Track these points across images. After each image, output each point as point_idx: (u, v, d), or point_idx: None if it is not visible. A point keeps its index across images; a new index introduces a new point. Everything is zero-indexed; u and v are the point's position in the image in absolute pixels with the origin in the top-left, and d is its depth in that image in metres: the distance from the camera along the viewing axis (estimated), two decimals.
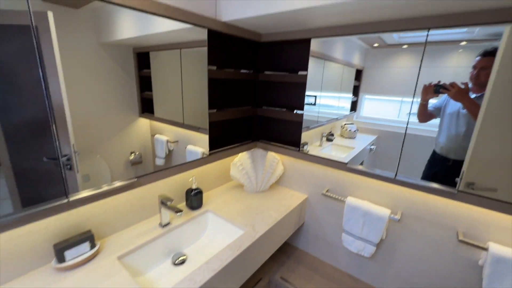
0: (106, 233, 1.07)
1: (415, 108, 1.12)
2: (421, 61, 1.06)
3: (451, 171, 1.03)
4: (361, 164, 1.33)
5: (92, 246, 0.96)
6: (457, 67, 1.03)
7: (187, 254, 1.19)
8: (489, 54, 0.90)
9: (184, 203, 1.38)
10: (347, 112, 1.77)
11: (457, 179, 1.01)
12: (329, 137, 1.87)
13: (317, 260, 1.59)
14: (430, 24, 0.96)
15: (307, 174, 1.55)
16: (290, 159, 1.61)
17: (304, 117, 1.45)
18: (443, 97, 1.08)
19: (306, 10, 0.96)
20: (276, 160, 1.60)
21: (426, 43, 1.03)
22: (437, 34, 1.00)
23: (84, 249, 0.93)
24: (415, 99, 1.11)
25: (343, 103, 1.74)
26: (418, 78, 1.08)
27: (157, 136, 1.20)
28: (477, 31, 0.94)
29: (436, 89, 1.04)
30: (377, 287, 1.40)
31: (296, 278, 1.44)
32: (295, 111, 1.45)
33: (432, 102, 1.10)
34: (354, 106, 1.64)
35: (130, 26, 0.97)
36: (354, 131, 1.85)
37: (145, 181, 1.06)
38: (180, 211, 1.08)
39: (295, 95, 1.44)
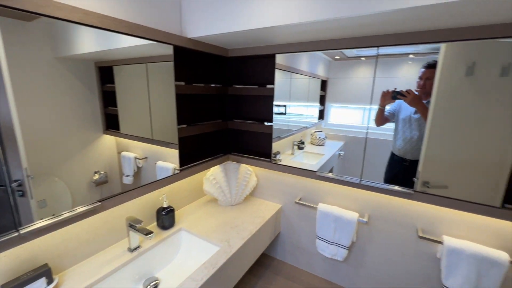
0: (67, 265, 0.97)
1: (359, 114, 1.23)
2: (375, 72, 1.17)
3: (409, 171, 1.14)
4: (331, 170, 1.40)
5: (49, 282, 0.86)
6: (408, 77, 1.16)
7: (160, 277, 1.12)
8: (432, 67, 1.03)
9: (155, 223, 1.31)
10: (316, 121, 1.87)
11: (415, 179, 1.12)
12: (300, 145, 1.94)
13: (295, 269, 1.61)
14: (379, 42, 1.07)
15: (280, 184, 1.58)
16: (263, 170, 1.63)
17: (275, 127, 1.49)
18: (396, 103, 1.19)
19: (268, 29, 1.01)
20: (249, 172, 1.61)
21: (377, 56, 1.15)
22: (391, 48, 1.12)
23: (39, 287, 0.83)
24: (373, 106, 1.22)
25: (311, 112, 1.83)
26: (373, 88, 1.19)
27: (124, 153, 1.14)
28: (422, 46, 1.08)
29: (394, 95, 1.16)
30: None
31: None
32: (265, 123, 1.49)
33: (387, 108, 1.21)
34: (322, 115, 1.73)
35: (91, 41, 0.93)
36: (323, 138, 1.95)
37: (110, 204, 0.99)
38: (151, 233, 1.02)
39: (264, 107, 1.48)
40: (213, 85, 1.47)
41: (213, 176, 1.54)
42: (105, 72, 1.02)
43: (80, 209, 0.90)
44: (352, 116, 1.50)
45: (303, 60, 1.55)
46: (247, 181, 1.59)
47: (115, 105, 1.08)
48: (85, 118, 0.96)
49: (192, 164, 1.37)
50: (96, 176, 1.02)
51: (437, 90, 1.03)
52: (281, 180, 1.57)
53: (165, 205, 1.28)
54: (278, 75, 1.44)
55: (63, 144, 0.91)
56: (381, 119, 1.23)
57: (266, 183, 1.64)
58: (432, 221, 1.15)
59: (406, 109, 1.18)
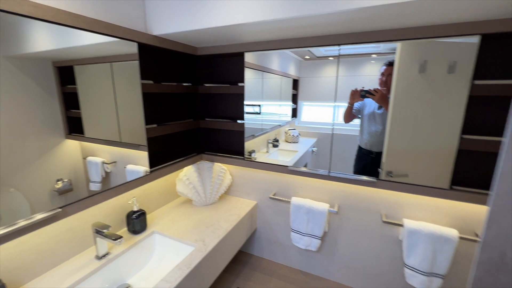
0: (25, 279, 0.90)
1: (341, 112, 1.30)
2: (337, 71, 1.24)
3: (376, 162, 1.22)
4: (305, 165, 1.45)
5: None
6: (371, 75, 1.24)
7: (133, 283, 1.08)
8: (392, 64, 1.12)
9: (126, 228, 1.26)
10: (289, 119, 1.92)
11: (379, 169, 1.20)
12: (275, 143, 1.99)
13: (272, 263, 1.64)
14: (340, 41, 1.14)
15: (255, 180, 1.60)
16: (237, 168, 1.64)
17: (250, 126, 1.51)
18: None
19: (234, 27, 1.02)
20: (223, 171, 1.61)
21: (339, 56, 1.21)
22: (354, 48, 1.20)
23: None
24: (340, 103, 1.29)
25: (284, 111, 1.88)
26: (336, 86, 1.26)
27: (90, 158, 1.08)
28: (382, 46, 1.16)
29: (363, 94, 1.23)
30: (326, 278, 1.51)
31: (253, 285, 1.45)
32: (237, 121, 1.50)
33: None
34: (295, 113, 1.78)
35: (46, 38, 0.87)
36: (297, 135, 2.02)
37: (72, 210, 0.93)
38: (119, 237, 0.99)
39: (235, 105, 1.49)
40: (183, 84, 1.45)
41: (186, 177, 1.52)
42: (65, 73, 0.96)
43: (38, 216, 0.84)
44: (324, 113, 1.56)
45: (275, 60, 1.59)
46: (222, 179, 1.59)
47: (78, 107, 1.02)
48: (43, 123, 0.90)
49: (163, 165, 1.34)
50: (59, 184, 0.96)
51: (395, 87, 1.12)
52: (256, 177, 1.59)
53: (135, 209, 1.23)
54: (250, 74, 1.46)
55: (19, 151, 0.84)
56: (350, 116, 1.30)
57: (241, 181, 1.65)
58: (394, 206, 1.25)
59: (370, 105, 1.26)
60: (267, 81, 1.71)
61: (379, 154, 1.21)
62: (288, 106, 1.80)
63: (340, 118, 1.34)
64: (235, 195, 1.70)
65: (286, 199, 1.46)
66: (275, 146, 1.95)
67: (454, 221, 1.13)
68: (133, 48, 1.11)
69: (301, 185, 1.46)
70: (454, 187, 1.06)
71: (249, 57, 1.40)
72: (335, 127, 1.32)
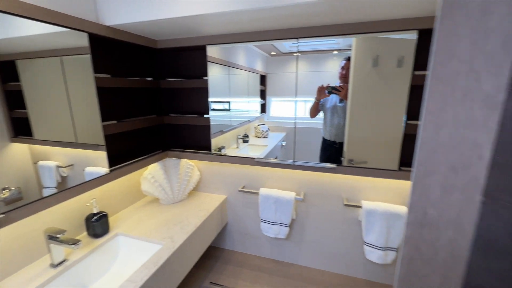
0: None
1: (300, 107, 1.36)
2: (296, 66, 1.29)
3: (339, 152, 1.30)
4: (276, 158, 1.49)
5: None
6: (334, 71, 1.31)
7: None
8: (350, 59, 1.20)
9: (86, 232, 1.18)
10: (258, 114, 1.96)
11: (342, 158, 1.28)
12: (245, 139, 2.01)
13: (244, 255, 1.66)
14: (299, 34, 1.18)
15: (223, 175, 1.60)
16: (206, 163, 1.63)
17: (219, 122, 1.51)
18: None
19: (191, 18, 1.01)
20: (190, 167, 1.58)
21: (298, 52, 1.27)
22: (316, 44, 1.25)
23: None
24: (303, 98, 1.35)
25: (253, 106, 1.90)
26: (296, 81, 1.31)
27: (41, 162, 0.98)
28: (342, 43, 1.23)
29: (329, 90, 1.30)
30: (297, 263, 1.58)
31: (226, 278, 1.46)
32: (203, 116, 1.48)
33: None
34: (264, 109, 1.81)
35: None
36: (266, 130, 2.05)
37: (19, 215, 0.85)
38: (77, 242, 0.93)
39: (200, 100, 1.47)
40: (145, 78, 1.39)
41: (151, 175, 1.47)
42: (6, 68, 0.87)
43: None
44: (292, 108, 1.62)
45: (241, 55, 1.60)
46: (190, 176, 1.56)
47: (24, 107, 0.92)
48: None
49: (124, 163, 1.28)
50: (5, 194, 0.86)
51: (352, 80, 1.20)
52: (224, 171, 1.59)
53: (95, 211, 1.16)
54: (217, 69, 1.45)
55: None
56: (316, 111, 1.37)
57: (209, 176, 1.64)
58: (353, 190, 1.34)
59: (331, 99, 1.34)
60: (234, 77, 1.72)
61: (342, 144, 1.29)
62: (256, 102, 1.83)
63: (307, 113, 1.41)
64: (204, 191, 1.68)
65: (255, 191, 1.49)
66: (245, 141, 1.97)
67: (403, 199, 1.26)
68: (84, 39, 1.03)
69: (268, 176, 1.50)
70: (402, 168, 1.18)
71: (213, 52, 1.39)
72: (303, 121, 1.38)
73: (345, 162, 1.28)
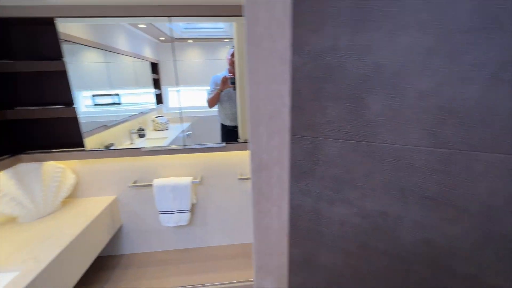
0: None
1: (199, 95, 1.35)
2: (173, 54, 1.26)
3: (237, 135, 1.39)
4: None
5: None
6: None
7: None
8: None
9: None
10: (154, 106, 1.80)
11: (239, 139, 1.38)
12: (141, 133, 1.81)
13: (147, 255, 1.55)
14: (171, 12, 1.13)
15: (109, 173, 1.40)
16: (83, 163, 1.37)
17: (102, 116, 1.30)
18: (213, 84, 1.38)
19: None
20: (59, 170, 1.30)
21: (173, 38, 1.24)
22: (207, 31, 1.24)
23: None
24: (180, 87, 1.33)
25: (146, 98, 1.73)
26: (175, 69, 1.30)
27: None
28: (230, 30, 1.26)
29: (232, 81, 1.33)
30: (205, 246, 1.61)
31: (127, 283, 1.32)
32: (69, 107, 1.22)
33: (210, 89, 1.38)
34: (161, 99, 1.67)
35: None
36: (165, 122, 1.91)
37: None
38: None
39: (60, 87, 1.20)
40: None
41: None
42: None
43: None
44: (195, 97, 1.58)
45: (121, 38, 1.39)
46: (59, 181, 1.28)
47: None
48: None
49: None
50: None
51: (237, 66, 1.28)
52: (109, 169, 1.40)
53: None
54: (92, 55, 1.22)
55: None
56: (217, 101, 1.40)
57: (90, 177, 1.40)
58: (243, 164, 1.47)
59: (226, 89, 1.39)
60: (118, 65, 1.50)
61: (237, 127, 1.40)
62: (150, 93, 1.68)
63: (182, 102, 1.42)
64: (85, 196, 1.43)
65: (149, 183, 1.38)
66: (141, 136, 1.79)
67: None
68: None
69: (163, 166, 1.43)
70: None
71: (76, 30, 1.16)
72: (205, 110, 1.42)
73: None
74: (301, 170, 0.42)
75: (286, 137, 0.42)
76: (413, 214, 0.36)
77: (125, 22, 1.28)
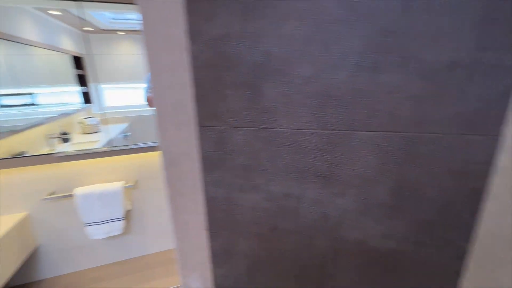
0: None
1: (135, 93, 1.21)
2: (90, 47, 1.12)
3: None
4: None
5: None
6: None
7: None
8: None
9: None
10: (80, 106, 1.57)
11: None
12: (64, 137, 1.58)
13: (74, 274, 1.36)
14: None
15: (14, 186, 1.17)
16: None
17: (10, 121, 1.07)
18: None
19: None
20: None
21: (98, 27, 1.09)
22: (135, 23, 1.10)
23: None
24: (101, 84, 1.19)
25: (69, 97, 1.51)
26: (94, 64, 1.15)
27: None
28: None
29: None
30: (145, 254, 1.49)
31: None
32: None
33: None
34: (88, 98, 1.47)
35: None
36: (97, 124, 1.68)
37: None
38: None
39: None
40: None
41: None
42: None
43: None
44: (132, 95, 1.43)
45: (26, 26, 1.15)
46: None
47: None
48: None
49: None
50: None
51: None
52: (14, 182, 1.16)
53: None
54: None
55: None
56: None
57: None
58: None
59: None
60: (26, 59, 1.25)
61: None
62: (73, 91, 1.48)
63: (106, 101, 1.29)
64: None
65: (68, 193, 1.21)
66: (65, 141, 1.56)
67: None
68: None
69: (87, 172, 1.26)
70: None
71: None
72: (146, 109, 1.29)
73: None
74: (211, 161, 0.42)
75: (192, 128, 0.41)
76: (311, 193, 0.39)
77: (23, 4, 1.08)
